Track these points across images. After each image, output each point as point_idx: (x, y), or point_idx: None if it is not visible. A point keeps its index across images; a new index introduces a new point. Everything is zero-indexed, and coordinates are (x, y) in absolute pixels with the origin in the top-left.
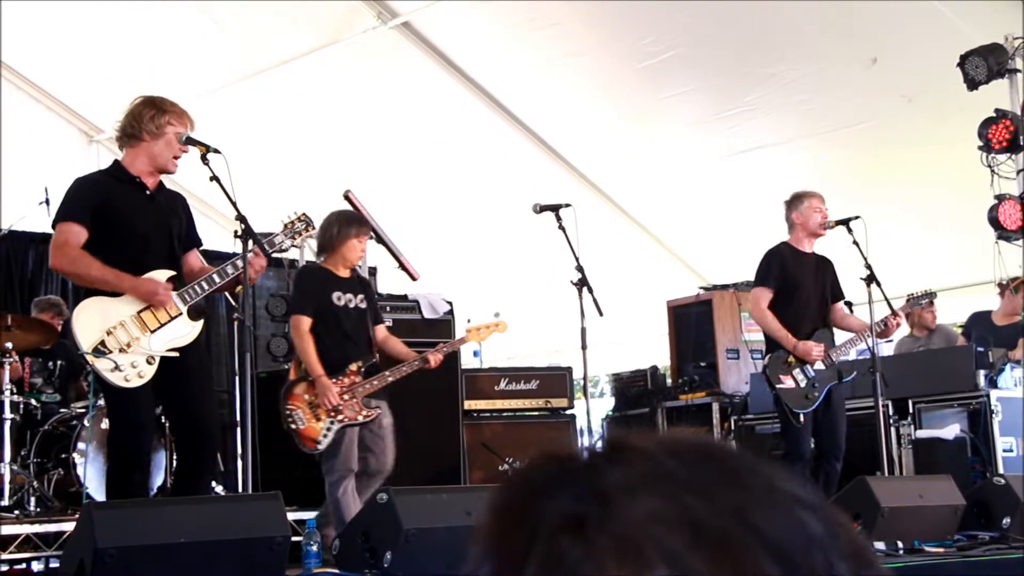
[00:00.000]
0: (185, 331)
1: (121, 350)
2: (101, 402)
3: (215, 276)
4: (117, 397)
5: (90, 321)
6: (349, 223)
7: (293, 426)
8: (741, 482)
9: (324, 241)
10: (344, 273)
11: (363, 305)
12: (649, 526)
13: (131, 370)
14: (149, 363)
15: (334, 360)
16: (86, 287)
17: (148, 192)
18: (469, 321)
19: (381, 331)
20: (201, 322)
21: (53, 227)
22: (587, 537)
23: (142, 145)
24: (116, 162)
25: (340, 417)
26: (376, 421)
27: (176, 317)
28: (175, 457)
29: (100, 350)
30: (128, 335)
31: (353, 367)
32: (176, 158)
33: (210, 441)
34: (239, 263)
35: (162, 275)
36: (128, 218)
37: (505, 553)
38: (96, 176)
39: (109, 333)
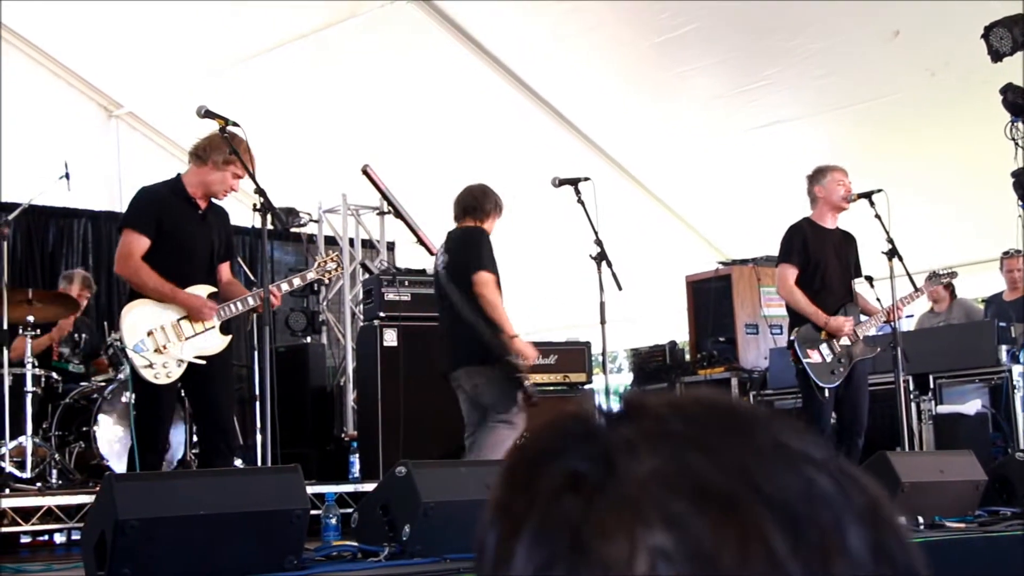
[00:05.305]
0: (214, 343)
1: (157, 351)
2: (122, 376)
3: (250, 299)
4: (145, 390)
5: (135, 321)
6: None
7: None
8: (746, 438)
9: (484, 206)
10: None
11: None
12: (650, 486)
13: (161, 369)
14: (178, 366)
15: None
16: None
17: (200, 212)
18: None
19: None
20: (230, 337)
21: (119, 231)
22: (587, 497)
23: (204, 169)
24: (179, 177)
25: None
26: None
27: (208, 329)
28: (196, 441)
29: (139, 347)
30: (165, 339)
31: None
32: (226, 192)
33: (224, 434)
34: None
35: (203, 291)
36: (179, 233)
37: (507, 515)
38: (159, 188)
39: (150, 334)
